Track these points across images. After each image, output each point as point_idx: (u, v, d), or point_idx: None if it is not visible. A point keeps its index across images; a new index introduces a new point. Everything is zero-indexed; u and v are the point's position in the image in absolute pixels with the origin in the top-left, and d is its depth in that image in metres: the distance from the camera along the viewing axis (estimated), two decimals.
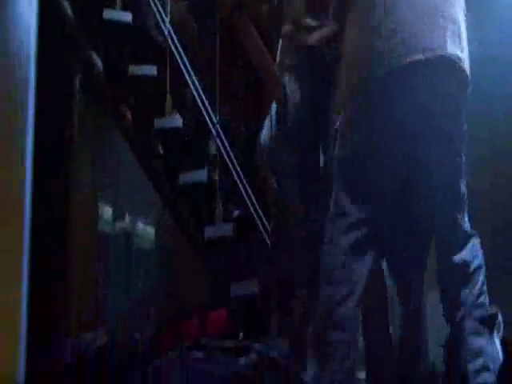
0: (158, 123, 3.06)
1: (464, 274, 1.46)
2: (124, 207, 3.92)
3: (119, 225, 4.00)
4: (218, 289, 2.96)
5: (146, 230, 4.12)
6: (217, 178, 2.97)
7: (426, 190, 1.53)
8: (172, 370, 1.88)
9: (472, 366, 1.44)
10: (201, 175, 2.97)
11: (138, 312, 3.33)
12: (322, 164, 2.16)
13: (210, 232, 2.93)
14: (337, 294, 1.43)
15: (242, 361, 1.90)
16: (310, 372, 1.48)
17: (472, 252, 1.46)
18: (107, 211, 3.92)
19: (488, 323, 1.50)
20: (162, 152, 3.17)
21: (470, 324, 1.46)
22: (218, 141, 2.94)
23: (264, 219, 2.86)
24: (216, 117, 2.94)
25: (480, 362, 1.45)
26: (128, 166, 3.42)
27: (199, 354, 1.98)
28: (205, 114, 2.97)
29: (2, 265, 1.16)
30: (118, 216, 3.94)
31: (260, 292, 2.75)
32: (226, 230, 2.90)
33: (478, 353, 1.45)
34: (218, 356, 1.99)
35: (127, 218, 4.02)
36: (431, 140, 1.46)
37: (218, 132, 2.94)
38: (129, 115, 3.26)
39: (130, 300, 3.56)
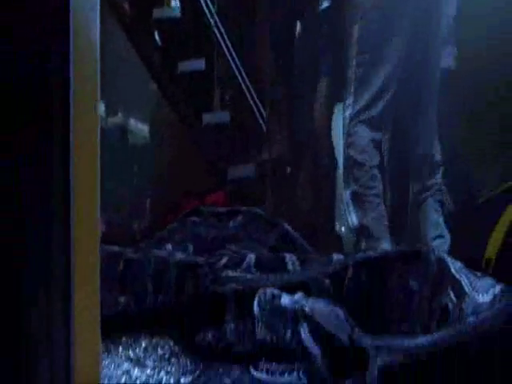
0: (157, 13, 3.14)
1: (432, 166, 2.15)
2: (118, 103, 4.01)
3: (113, 120, 4.10)
4: (215, 173, 3.15)
5: (141, 126, 4.23)
6: (215, 66, 3.10)
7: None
8: (172, 235, 1.99)
9: (431, 234, 2.07)
10: (199, 64, 3.09)
11: (135, 204, 3.46)
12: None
13: (207, 119, 3.10)
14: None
15: (232, 223, 2.08)
16: (353, 220, 2.09)
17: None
18: (101, 106, 4.01)
19: (443, 205, 2.14)
20: (160, 43, 3.26)
21: (432, 203, 2.10)
22: (215, 30, 3.05)
23: (260, 106, 3.05)
24: (214, 6, 3.04)
25: (437, 232, 2.08)
26: (123, 61, 3.49)
27: (197, 219, 2.18)
28: (203, 3, 3.05)
29: None
30: (112, 111, 4.03)
31: (256, 175, 2.98)
32: (224, 116, 3.08)
33: (436, 224, 2.09)
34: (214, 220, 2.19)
35: (121, 114, 4.11)
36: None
37: (216, 22, 3.04)
38: (126, 5, 3.31)
39: (126, 192, 3.71)
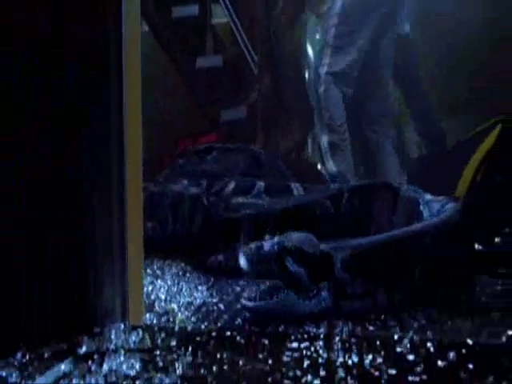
0: None
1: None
2: None
3: None
4: (208, 115, 3.33)
5: None
6: (208, 12, 3.22)
7: None
8: (174, 172, 2.18)
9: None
10: (192, 9, 3.21)
11: None
12: None
13: (200, 63, 3.25)
14: None
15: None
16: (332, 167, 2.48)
17: None
18: None
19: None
20: None
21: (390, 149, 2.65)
22: None
23: (252, 52, 3.21)
24: None
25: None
26: None
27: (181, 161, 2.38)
28: None
29: None
30: None
31: (247, 117, 3.18)
32: (216, 60, 3.23)
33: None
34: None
35: None
36: None
37: None
38: None
39: None
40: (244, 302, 1.11)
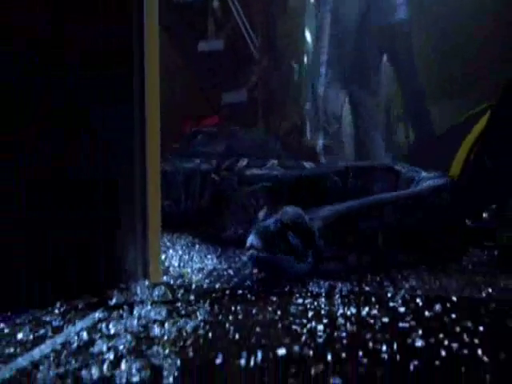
0: None
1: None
2: None
3: None
4: (210, 98, 3.44)
5: None
6: None
7: None
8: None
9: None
10: None
11: None
12: None
13: (202, 47, 3.35)
14: None
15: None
16: None
17: None
18: None
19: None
20: None
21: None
22: None
23: (253, 36, 3.31)
24: None
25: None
26: None
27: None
28: None
29: None
30: None
31: (248, 99, 3.29)
32: (218, 44, 3.33)
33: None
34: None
35: None
36: None
37: None
38: None
39: None
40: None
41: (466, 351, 0.78)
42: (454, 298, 1.06)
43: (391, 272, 1.28)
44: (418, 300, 1.05)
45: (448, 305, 1.02)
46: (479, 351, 0.78)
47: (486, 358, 0.76)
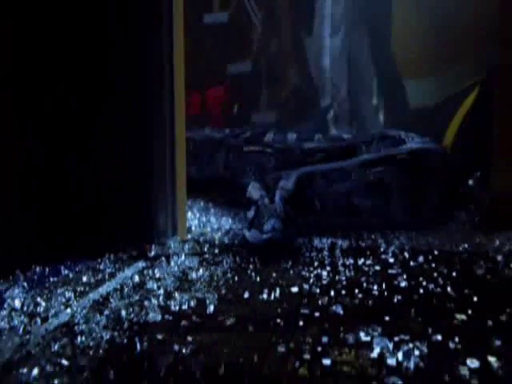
0: None
1: None
2: None
3: None
4: (215, 69, 3.62)
5: None
6: None
7: None
8: None
9: None
10: None
11: None
12: None
13: (208, 19, 3.52)
14: None
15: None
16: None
17: None
18: None
19: None
20: None
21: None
22: None
23: (256, 10, 3.47)
24: None
25: None
26: None
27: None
28: None
29: None
30: None
31: (252, 70, 3.48)
32: (222, 17, 3.50)
33: None
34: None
35: None
36: None
37: None
38: None
39: None
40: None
41: (439, 289, 1.01)
42: (436, 252, 1.28)
43: (384, 231, 1.50)
44: (405, 253, 1.27)
45: (430, 257, 1.24)
46: (449, 289, 1.01)
47: (453, 294, 0.98)
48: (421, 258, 1.22)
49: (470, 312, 0.88)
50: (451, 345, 0.76)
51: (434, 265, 1.18)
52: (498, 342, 0.77)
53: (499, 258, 1.22)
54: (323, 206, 1.56)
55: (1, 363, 0.72)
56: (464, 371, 0.68)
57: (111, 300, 0.94)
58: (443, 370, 0.69)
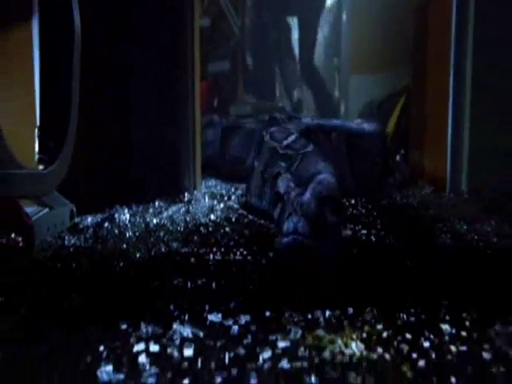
0: None
1: None
2: None
3: None
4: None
5: None
6: None
7: None
8: None
9: None
10: None
11: None
12: None
13: None
14: None
15: None
16: None
17: None
18: None
19: None
20: None
21: None
22: None
23: (235, 16, 4.16)
24: None
25: None
26: None
27: None
28: None
29: None
30: None
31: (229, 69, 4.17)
32: (205, 22, 4.16)
33: None
34: None
35: None
36: None
37: None
38: None
39: None
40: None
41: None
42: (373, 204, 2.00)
43: None
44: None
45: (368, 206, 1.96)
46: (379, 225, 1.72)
47: (384, 224, 1.69)
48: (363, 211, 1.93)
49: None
50: None
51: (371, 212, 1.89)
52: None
53: (411, 201, 1.94)
54: None
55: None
56: None
57: (167, 224, 1.61)
58: None
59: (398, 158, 2.53)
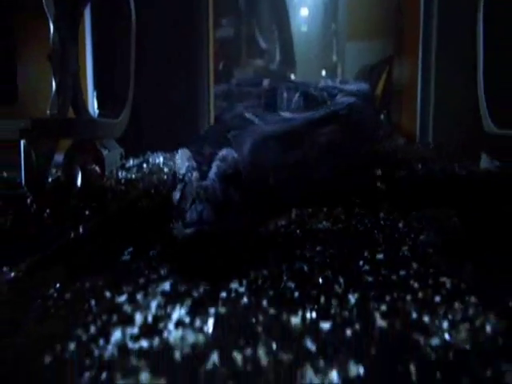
0: None
1: None
2: None
3: None
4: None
5: None
6: None
7: None
8: None
9: None
10: None
11: None
12: None
13: None
14: None
15: None
16: None
17: None
18: None
19: None
20: None
21: None
22: None
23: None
24: None
25: None
26: None
27: None
28: None
29: None
30: None
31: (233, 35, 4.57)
32: None
33: None
34: None
35: None
36: None
37: None
38: None
39: None
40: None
41: None
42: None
43: None
44: None
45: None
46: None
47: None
48: None
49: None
50: None
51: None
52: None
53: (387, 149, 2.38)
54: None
55: None
56: None
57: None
58: None
59: (382, 116, 2.97)
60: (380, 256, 1.01)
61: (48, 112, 1.31)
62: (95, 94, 1.68)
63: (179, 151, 1.10)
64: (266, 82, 2.53)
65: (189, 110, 2.36)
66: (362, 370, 0.63)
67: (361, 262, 0.98)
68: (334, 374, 0.62)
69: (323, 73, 5.09)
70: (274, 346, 0.68)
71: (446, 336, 0.70)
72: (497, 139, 1.61)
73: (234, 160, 1.05)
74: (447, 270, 0.92)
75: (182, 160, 1.07)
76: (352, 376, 0.62)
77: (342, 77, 5.47)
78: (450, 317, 0.75)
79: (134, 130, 1.78)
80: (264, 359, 0.66)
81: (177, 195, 1.03)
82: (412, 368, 0.63)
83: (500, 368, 0.62)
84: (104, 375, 0.61)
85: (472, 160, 1.87)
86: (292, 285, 0.88)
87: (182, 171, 1.04)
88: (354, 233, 1.17)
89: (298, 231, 1.18)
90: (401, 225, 1.22)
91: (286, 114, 1.38)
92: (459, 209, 1.32)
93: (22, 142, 1.23)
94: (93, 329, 0.73)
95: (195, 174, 1.01)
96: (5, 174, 1.72)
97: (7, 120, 1.28)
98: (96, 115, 1.67)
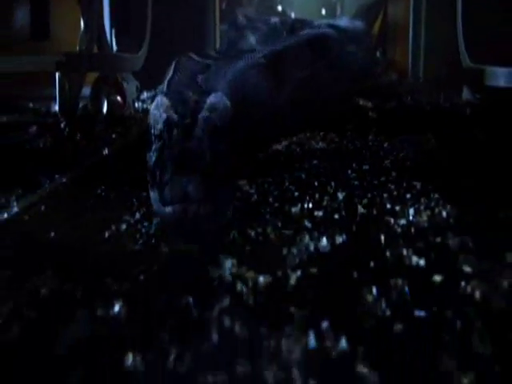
0: None
1: None
2: None
3: None
4: None
5: None
6: None
7: None
8: None
9: None
10: None
11: None
12: None
13: None
14: None
15: None
16: None
17: None
18: None
19: None
20: None
21: None
22: None
23: None
24: None
25: None
26: None
27: None
28: None
29: None
30: None
31: None
32: None
33: None
34: None
35: None
36: None
37: None
38: None
39: None
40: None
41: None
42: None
43: None
44: None
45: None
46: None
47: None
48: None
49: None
50: None
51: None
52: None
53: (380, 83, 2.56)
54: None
55: None
56: None
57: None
58: None
59: (378, 53, 3.12)
60: (366, 167, 1.22)
61: (77, 48, 1.49)
62: (113, 31, 1.85)
63: (156, 98, 0.89)
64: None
65: (196, 43, 2.51)
66: (345, 239, 0.85)
67: (349, 171, 1.19)
68: (324, 241, 0.84)
69: (323, 11, 5.18)
70: (279, 224, 0.91)
71: (411, 218, 0.93)
72: (472, 73, 1.80)
73: (226, 109, 0.86)
74: (419, 178, 1.13)
75: (159, 111, 0.85)
76: (338, 243, 0.84)
77: (340, 15, 5.56)
78: (415, 206, 0.97)
79: (147, 65, 1.95)
80: (272, 233, 0.88)
81: (152, 157, 0.82)
82: (382, 238, 0.85)
83: (447, 238, 0.84)
84: None
85: (456, 93, 2.06)
86: (292, 187, 1.10)
87: (159, 126, 0.83)
88: (345, 151, 1.38)
89: (297, 149, 1.39)
90: (385, 145, 1.43)
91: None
92: (438, 134, 1.52)
93: (57, 74, 1.42)
94: (137, 215, 0.96)
95: (176, 132, 0.80)
96: (31, 105, 1.92)
97: (42, 55, 1.47)
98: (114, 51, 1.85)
